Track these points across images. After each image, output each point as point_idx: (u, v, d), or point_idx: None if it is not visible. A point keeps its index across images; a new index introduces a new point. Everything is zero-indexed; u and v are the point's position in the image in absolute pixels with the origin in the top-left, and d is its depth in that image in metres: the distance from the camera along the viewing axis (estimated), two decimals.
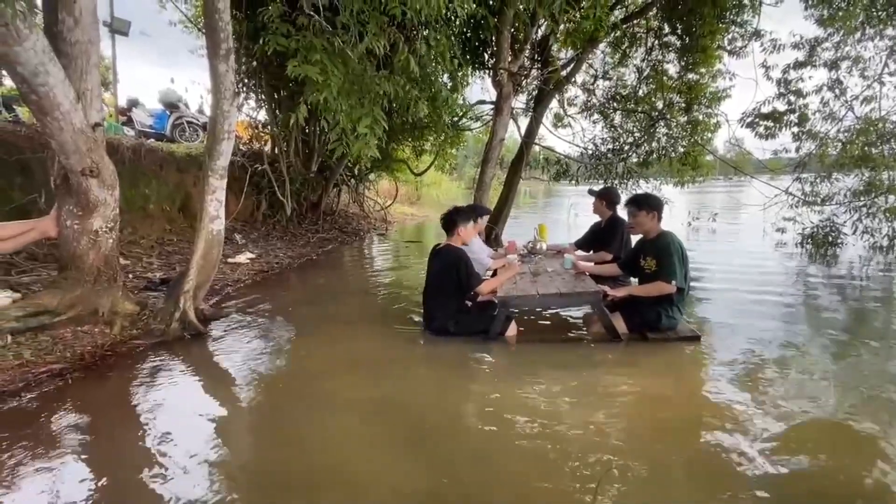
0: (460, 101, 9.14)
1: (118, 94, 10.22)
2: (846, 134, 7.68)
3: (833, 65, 7.67)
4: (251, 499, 1.94)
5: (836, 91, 7.73)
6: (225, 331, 3.97)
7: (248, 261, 6.55)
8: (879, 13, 7.26)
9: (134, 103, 10.12)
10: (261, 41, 4.29)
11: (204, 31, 4.20)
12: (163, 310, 3.88)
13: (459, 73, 7.90)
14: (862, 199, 7.44)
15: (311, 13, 3.84)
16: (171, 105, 9.98)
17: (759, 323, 4.03)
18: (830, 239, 7.66)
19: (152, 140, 8.74)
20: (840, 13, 7.09)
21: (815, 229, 7.77)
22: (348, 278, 6.72)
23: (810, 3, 7.22)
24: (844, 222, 7.67)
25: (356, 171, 11.51)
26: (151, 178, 6.87)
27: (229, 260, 6.30)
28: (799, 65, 7.84)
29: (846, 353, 3.43)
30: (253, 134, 9.42)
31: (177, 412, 2.65)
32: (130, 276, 5.03)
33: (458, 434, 2.41)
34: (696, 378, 3.11)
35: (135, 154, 6.57)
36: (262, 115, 9.25)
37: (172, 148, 7.85)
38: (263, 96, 8.55)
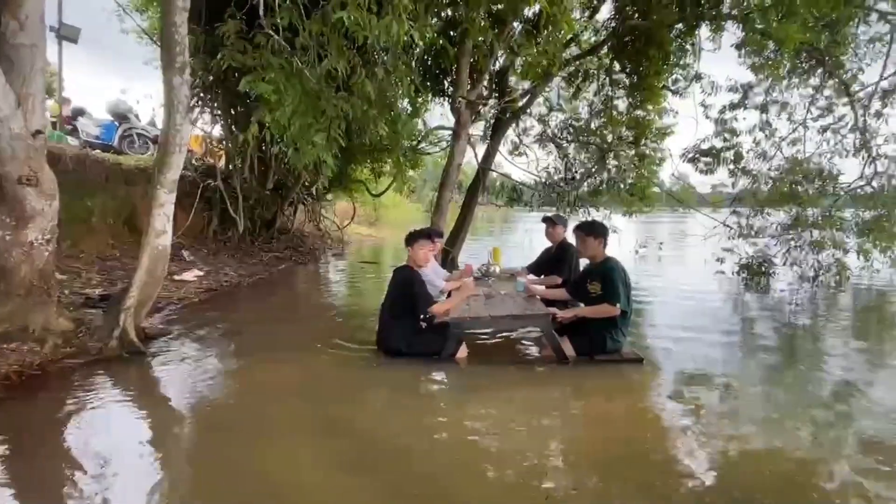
0: (419, 126, 9.31)
1: (63, 101, 9.82)
2: (776, 172, 8.30)
3: (763, 108, 8.35)
4: None
5: (767, 132, 8.41)
6: (167, 350, 3.81)
7: (196, 278, 6.33)
8: (803, 64, 7.99)
9: (80, 112, 9.73)
10: (218, 56, 4.27)
11: (159, 43, 4.14)
12: (101, 327, 3.70)
13: (419, 99, 8.08)
14: (790, 232, 8.00)
15: (271, 32, 3.86)
16: (121, 116, 9.66)
17: (698, 346, 4.23)
18: (763, 269, 8.14)
19: (98, 151, 8.40)
20: (769, 62, 7.73)
21: (750, 259, 8.24)
22: (300, 298, 6.61)
23: (744, 51, 7.83)
24: (776, 254, 8.19)
25: (313, 191, 11.41)
26: (96, 191, 6.58)
27: (175, 277, 6.08)
28: (734, 106, 8.48)
29: (777, 376, 3.66)
30: (207, 149, 9.22)
31: (112, 436, 2.52)
32: (67, 291, 4.77)
33: (407, 455, 2.40)
34: (638, 399, 3.22)
35: (79, 164, 6.30)
36: (218, 131, 9.09)
37: (120, 160, 7.59)
38: (219, 111, 8.42)
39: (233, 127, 8.46)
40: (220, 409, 2.92)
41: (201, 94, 7.90)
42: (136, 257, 3.95)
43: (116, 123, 9.67)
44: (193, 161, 8.75)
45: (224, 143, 8.96)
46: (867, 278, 7.76)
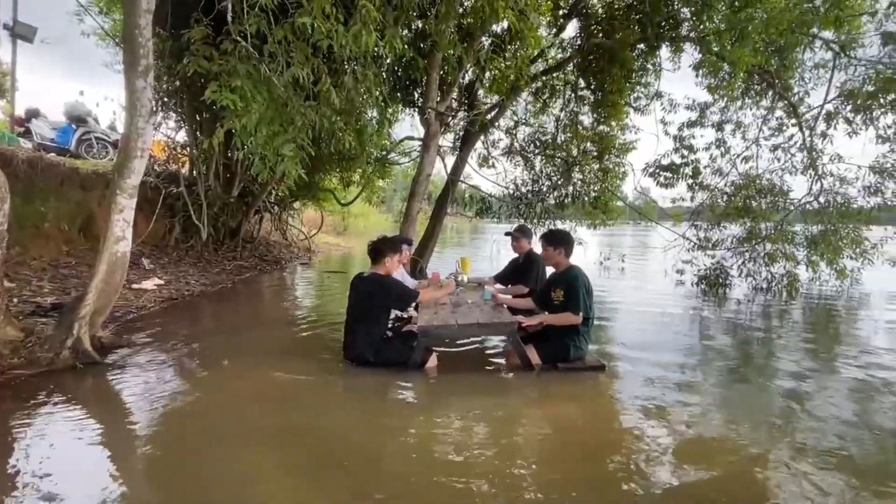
0: (387, 136, 9.35)
1: (15, 102, 9.44)
2: (731, 188, 8.70)
3: (719, 126, 8.78)
4: None
5: (722, 149, 8.84)
6: (124, 360, 3.69)
7: (156, 287, 6.14)
8: (755, 86, 8.44)
9: (34, 114, 9.34)
10: (184, 61, 4.20)
11: (121, 45, 4.05)
12: (52, 336, 3.54)
13: (389, 110, 8.12)
14: (745, 245, 8.38)
15: (238, 39, 3.83)
16: (79, 119, 9.33)
17: (658, 353, 4.37)
18: (721, 280, 8.49)
19: (53, 154, 8.08)
20: (724, 83, 8.14)
21: (708, 271, 8.59)
22: (265, 308, 6.48)
23: (701, 72, 8.22)
24: (732, 265, 8.55)
25: (280, 198, 11.26)
26: (49, 195, 6.32)
27: (134, 286, 5.88)
28: (691, 124, 8.89)
29: (734, 381, 3.82)
30: (170, 155, 8.99)
31: (63, 451, 2.41)
32: (16, 299, 4.56)
33: (372, 463, 2.39)
34: (601, 405, 3.31)
35: (31, 167, 6.05)
36: (182, 136, 8.88)
37: (76, 164, 7.31)
38: (184, 117, 8.24)
39: (198, 133, 8.29)
40: (179, 420, 2.83)
41: (165, 99, 7.73)
42: (92, 265, 3.82)
43: (73, 126, 9.32)
44: (155, 167, 8.51)
45: (188, 148, 8.76)
46: (816, 289, 8.17)
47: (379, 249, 3.87)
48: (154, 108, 3.80)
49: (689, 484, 2.26)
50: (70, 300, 4.18)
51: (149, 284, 6.13)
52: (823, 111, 8.02)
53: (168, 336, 4.37)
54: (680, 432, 2.79)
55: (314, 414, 2.98)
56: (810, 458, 2.50)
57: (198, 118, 8.26)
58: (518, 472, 2.32)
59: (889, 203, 7.57)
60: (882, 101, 7.10)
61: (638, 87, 9.24)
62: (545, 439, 2.76)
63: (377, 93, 5.28)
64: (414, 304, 4.23)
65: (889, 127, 7.38)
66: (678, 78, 9.03)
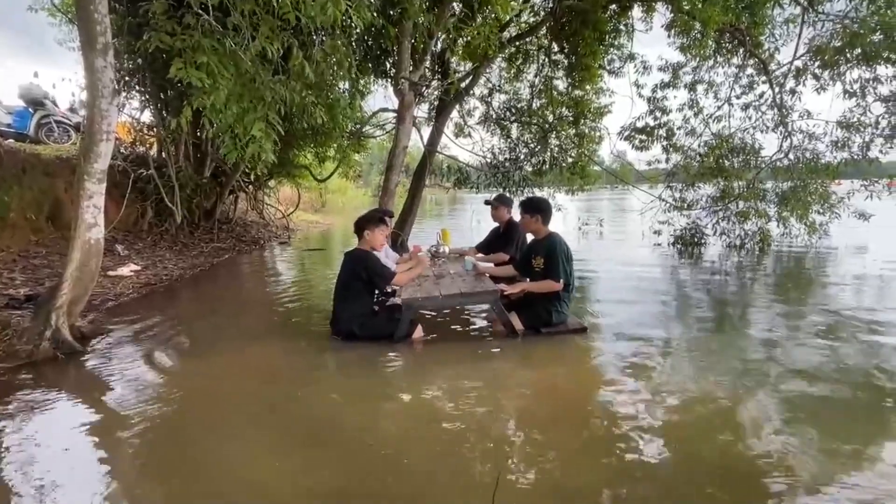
0: (360, 109, 9.17)
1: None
2: (704, 148, 8.81)
3: (692, 87, 8.81)
4: None
5: (695, 110, 8.90)
6: (106, 349, 3.65)
7: (133, 273, 6.03)
8: (727, 45, 8.46)
9: None
10: (144, 37, 4.02)
11: (76, 22, 3.85)
12: (30, 328, 3.48)
13: (361, 82, 7.93)
14: (718, 204, 8.56)
15: (200, 12, 3.68)
16: (36, 102, 8.90)
17: (638, 313, 4.49)
18: (696, 239, 8.71)
19: (12, 141, 7.75)
20: (696, 42, 8.13)
21: (684, 231, 8.78)
22: (246, 289, 6.44)
23: (672, 31, 8.19)
24: (706, 225, 8.75)
25: (254, 177, 11.03)
26: (12, 184, 6.09)
27: (110, 273, 5.76)
28: (664, 85, 8.90)
29: (711, 338, 3.93)
30: (136, 136, 8.69)
31: (50, 442, 2.39)
32: None
33: (361, 438, 2.41)
34: (585, 367, 3.40)
35: None
36: (147, 117, 8.58)
37: (38, 150, 7.04)
38: (149, 96, 7.93)
39: (164, 112, 8.01)
40: (165, 404, 2.81)
41: (127, 78, 7.41)
42: (64, 253, 3.74)
43: (31, 110, 8.90)
44: (122, 149, 8.24)
45: (155, 129, 8.48)
46: (787, 244, 8.42)
47: (359, 225, 3.88)
48: (117, 88, 3.66)
49: (669, 442, 2.32)
50: (45, 291, 4.09)
51: (125, 271, 6.02)
52: (792, 68, 8.11)
53: (149, 322, 4.32)
54: (663, 390, 2.86)
55: (302, 392, 3.00)
56: (792, 409, 2.60)
57: (163, 97, 7.95)
58: (507, 438, 2.37)
59: (855, 157, 7.76)
60: (848, 55, 7.19)
61: (611, 50, 9.19)
62: (533, 404, 2.82)
63: (347, 64, 5.15)
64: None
65: (855, 82, 7.50)
66: (651, 40, 9.00)
